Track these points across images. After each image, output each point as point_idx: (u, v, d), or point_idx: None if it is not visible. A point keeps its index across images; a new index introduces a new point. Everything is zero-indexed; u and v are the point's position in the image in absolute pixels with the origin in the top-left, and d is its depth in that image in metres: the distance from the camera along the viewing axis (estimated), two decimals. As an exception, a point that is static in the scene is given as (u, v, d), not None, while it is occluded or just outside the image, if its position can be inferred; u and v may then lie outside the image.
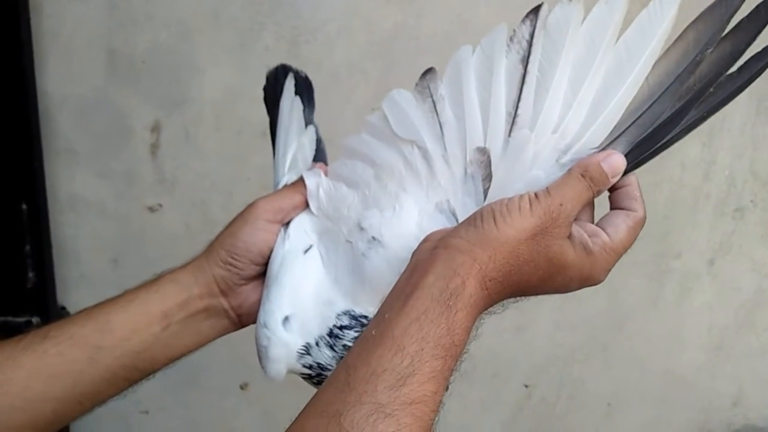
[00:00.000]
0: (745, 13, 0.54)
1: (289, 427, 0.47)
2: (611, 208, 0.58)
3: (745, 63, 0.55)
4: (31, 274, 1.30)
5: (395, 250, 0.59)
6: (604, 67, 0.55)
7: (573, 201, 0.54)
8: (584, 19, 0.55)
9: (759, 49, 0.54)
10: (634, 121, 0.55)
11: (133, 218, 1.34)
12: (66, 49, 1.23)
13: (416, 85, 0.60)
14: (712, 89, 0.54)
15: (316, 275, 0.63)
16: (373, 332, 0.49)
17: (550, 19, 0.55)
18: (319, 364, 0.60)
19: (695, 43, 0.54)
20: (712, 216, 1.43)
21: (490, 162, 0.57)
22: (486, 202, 0.57)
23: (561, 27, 0.55)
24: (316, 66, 1.24)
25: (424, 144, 0.59)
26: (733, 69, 0.54)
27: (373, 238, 0.60)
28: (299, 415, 0.47)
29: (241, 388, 1.49)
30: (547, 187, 0.54)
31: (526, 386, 1.57)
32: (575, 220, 0.55)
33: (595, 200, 0.58)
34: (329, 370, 0.60)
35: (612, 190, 0.57)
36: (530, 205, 0.53)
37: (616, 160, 0.55)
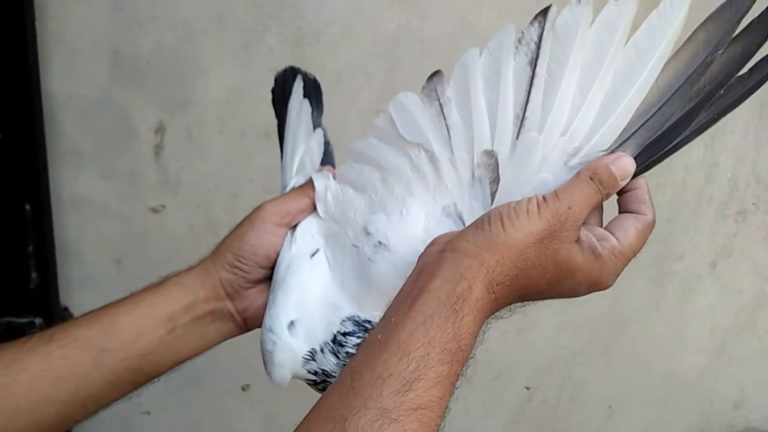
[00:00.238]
0: (756, 14, 0.53)
1: None
2: (620, 212, 0.57)
3: (756, 64, 0.54)
4: (34, 275, 1.30)
5: (402, 254, 0.59)
6: (613, 69, 0.55)
7: (581, 204, 0.53)
8: (593, 21, 0.55)
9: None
10: (644, 124, 0.55)
11: (136, 219, 1.35)
12: (71, 51, 1.23)
13: (423, 88, 0.59)
14: (722, 91, 0.54)
15: (323, 279, 0.62)
16: (379, 336, 0.49)
17: (558, 21, 0.55)
18: (324, 370, 0.60)
19: (705, 45, 0.53)
20: (715, 218, 1.43)
21: (497, 165, 0.57)
22: (493, 206, 0.57)
23: (570, 29, 0.55)
24: (320, 68, 1.23)
25: (431, 147, 0.59)
26: (744, 70, 0.54)
27: (380, 242, 0.60)
28: (304, 419, 0.47)
29: (243, 389, 1.49)
30: (555, 190, 0.54)
31: (528, 388, 1.57)
32: (584, 223, 0.55)
33: (604, 204, 0.58)
34: (334, 377, 0.60)
35: (621, 193, 0.57)
36: (538, 208, 0.52)
37: (625, 163, 0.55)
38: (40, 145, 1.25)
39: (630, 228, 0.55)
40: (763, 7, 0.53)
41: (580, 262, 0.54)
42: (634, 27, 0.55)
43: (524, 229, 0.51)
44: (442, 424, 0.47)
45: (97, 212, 1.34)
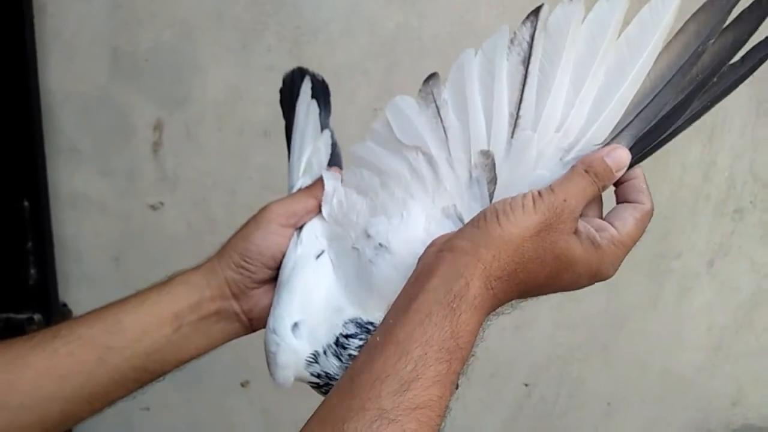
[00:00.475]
0: (746, 5, 0.54)
1: None
2: (618, 202, 0.58)
3: (748, 53, 0.55)
4: (32, 271, 1.31)
5: (403, 256, 0.59)
6: (605, 64, 0.55)
7: (577, 196, 0.53)
8: (585, 18, 0.55)
9: (761, 38, 0.54)
10: (637, 115, 0.55)
11: (134, 216, 1.35)
12: (69, 48, 1.23)
13: (419, 90, 0.60)
14: (715, 79, 0.54)
15: (327, 281, 0.62)
16: (378, 338, 0.49)
17: (550, 20, 0.55)
18: (326, 373, 0.60)
19: (697, 35, 0.54)
20: (712, 217, 1.43)
21: (494, 165, 0.57)
22: None
23: (561, 27, 0.55)
24: (318, 66, 1.23)
25: (429, 150, 0.59)
26: (736, 59, 0.54)
27: (380, 244, 0.60)
28: (306, 423, 0.47)
29: (242, 386, 1.50)
30: (550, 185, 0.54)
31: (526, 385, 1.57)
32: (582, 216, 0.55)
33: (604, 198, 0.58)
34: (336, 379, 0.59)
35: (618, 184, 0.57)
36: (533, 202, 0.52)
37: (620, 154, 0.55)
38: (38, 143, 1.25)
39: (628, 218, 0.56)
40: None
41: (579, 254, 0.54)
42: (626, 21, 0.55)
43: (520, 223, 0.52)
44: (443, 423, 0.47)
45: (95, 209, 1.34)
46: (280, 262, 0.65)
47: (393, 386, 0.45)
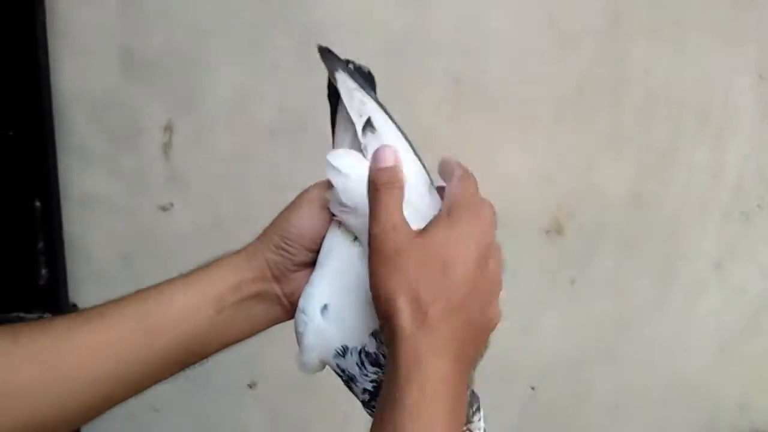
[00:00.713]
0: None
1: None
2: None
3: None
4: (43, 271, 1.31)
5: None
6: None
7: (387, 212, 0.55)
8: None
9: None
10: None
11: (144, 217, 1.36)
12: (80, 49, 1.24)
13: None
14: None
15: (361, 267, 0.60)
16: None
17: None
18: (350, 373, 0.60)
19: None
20: (719, 219, 1.44)
21: None
22: None
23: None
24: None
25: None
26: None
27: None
28: None
29: (249, 386, 1.50)
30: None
31: (533, 388, 1.57)
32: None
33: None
34: (357, 382, 0.59)
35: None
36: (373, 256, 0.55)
37: (381, 152, 0.58)
38: (49, 143, 1.26)
39: (452, 181, 0.57)
40: None
41: (441, 235, 0.55)
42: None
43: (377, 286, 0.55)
44: None
45: (105, 209, 1.35)
46: (320, 245, 0.64)
47: None
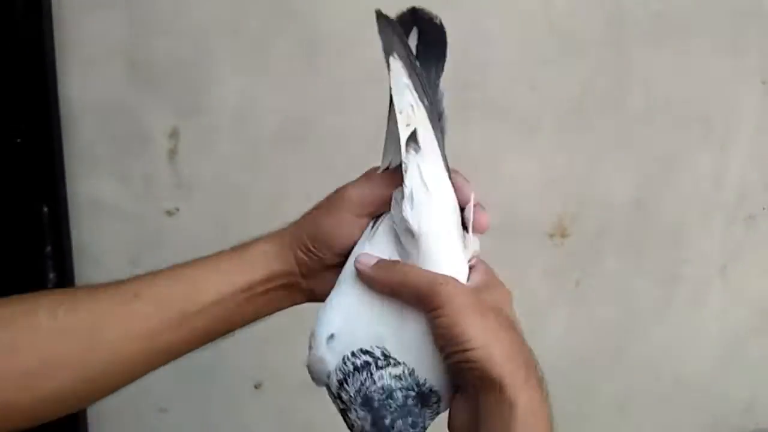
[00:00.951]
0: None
1: None
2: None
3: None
4: (51, 275, 1.32)
5: None
6: None
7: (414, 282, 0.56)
8: None
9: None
10: None
11: (151, 222, 1.36)
12: (87, 58, 1.25)
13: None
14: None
15: (373, 299, 0.57)
16: None
17: None
18: (347, 405, 0.56)
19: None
20: (724, 223, 1.44)
21: None
22: None
23: None
24: (330, 75, 1.26)
25: None
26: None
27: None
28: None
29: (256, 387, 1.51)
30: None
31: (538, 389, 1.57)
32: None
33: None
34: (351, 414, 0.56)
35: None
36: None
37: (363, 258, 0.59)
38: (57, 149, 1.27)
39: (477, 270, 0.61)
40: None
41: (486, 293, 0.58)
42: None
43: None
44: None
45: (112, 214, 1.36)
46: (351, 249, 0.60)
47: None
